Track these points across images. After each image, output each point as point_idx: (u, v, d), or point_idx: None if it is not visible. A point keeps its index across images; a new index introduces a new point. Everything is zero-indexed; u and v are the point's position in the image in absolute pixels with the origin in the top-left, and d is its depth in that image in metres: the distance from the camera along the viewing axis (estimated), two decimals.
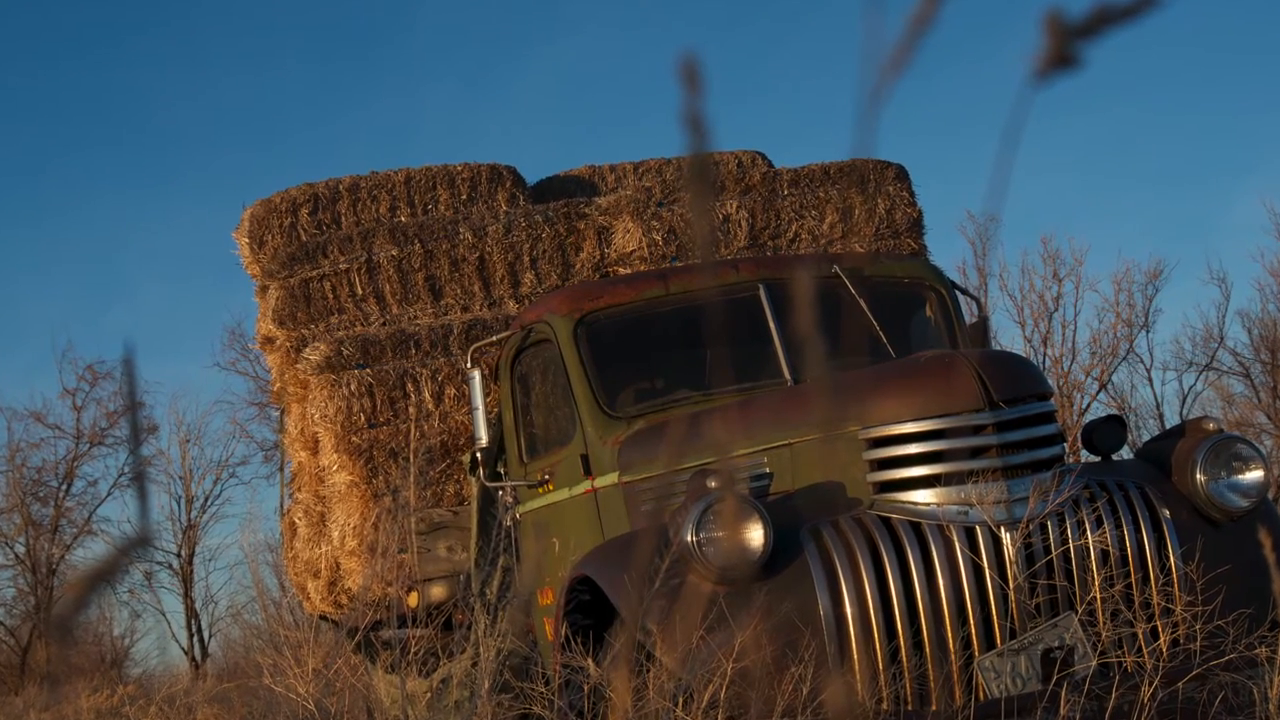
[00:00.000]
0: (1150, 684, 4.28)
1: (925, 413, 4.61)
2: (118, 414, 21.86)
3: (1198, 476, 4.98)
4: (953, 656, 4.42)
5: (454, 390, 7.52)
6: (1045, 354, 17.68)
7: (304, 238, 8.22)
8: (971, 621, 4.46)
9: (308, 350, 7.57)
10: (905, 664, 4.39)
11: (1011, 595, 4.47)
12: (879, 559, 4.48)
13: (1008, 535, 4.50)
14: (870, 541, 4.51)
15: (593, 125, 35.22)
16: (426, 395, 7.50)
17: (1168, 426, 15.57)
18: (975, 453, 4.59)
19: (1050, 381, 11.30)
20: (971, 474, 4.55)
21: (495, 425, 6.54)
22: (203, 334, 42.91)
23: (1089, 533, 4.61)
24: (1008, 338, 18.14)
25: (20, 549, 22.03)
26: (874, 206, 8.50)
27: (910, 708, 4.38)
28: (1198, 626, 4.47)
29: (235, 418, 27.29)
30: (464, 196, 8.56)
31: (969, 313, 6.81)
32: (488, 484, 6.48)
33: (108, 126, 34.54)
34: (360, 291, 7.88)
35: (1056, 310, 17.88)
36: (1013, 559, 4.49)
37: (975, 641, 4.45)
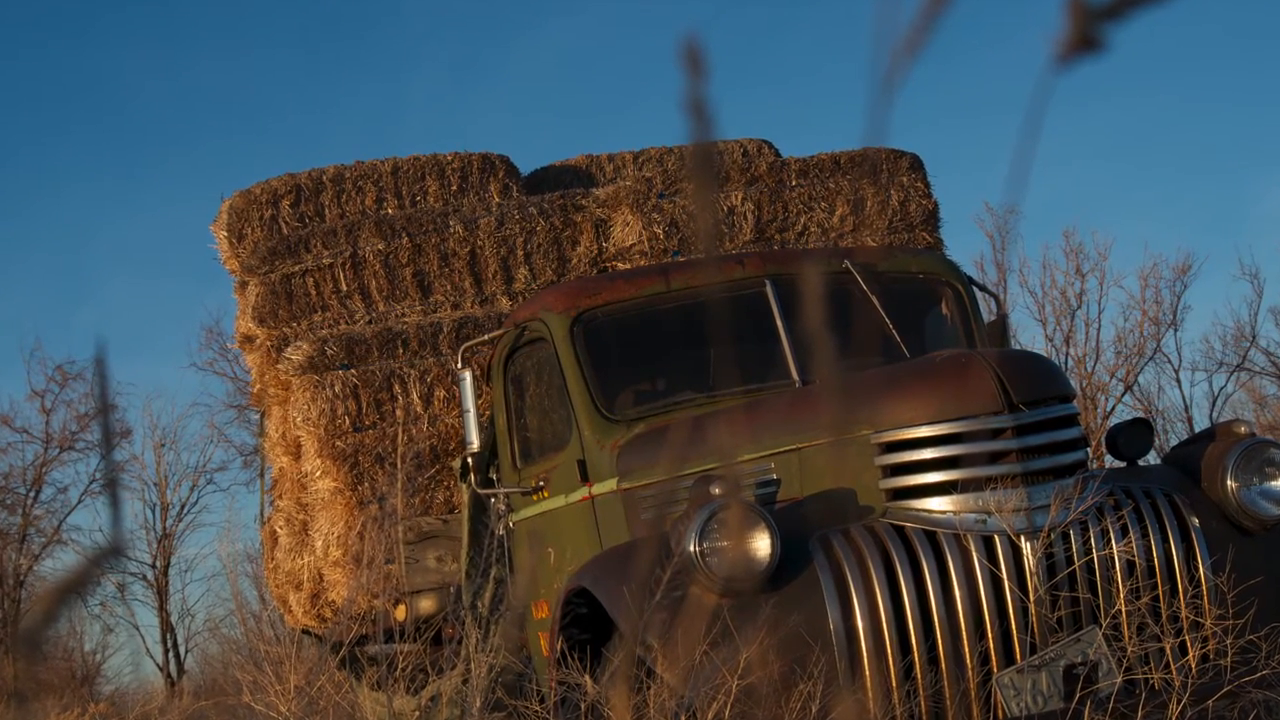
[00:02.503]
0: (1179, 702, 4.29)
1: (941, 415, 4.61)
2: (89, 417, 21.87)
3: (1228, 483, 4.99)
4: (970, 673, 4.42)
5: (444, 392, 7.53)
6: (1067, 354, 17.69)
7: (285, 231, 8.22)
8: (990, 636, 4.46)
9: (289, 350, 7.58)
10: (920, 681, 4.39)
11: (1032, 608, 4.47)
12: (892, 570, 4.48)
13: (1028, 545, 4.51)
14: (883, 551, 4.51)
15: (590, 112, 35.25)
16: (415, 397, 7.51)
17: (1197, 430, 15.56)
18: (994, 458, 4.59)
19: (1073, 383, 11.30)
20: (990, 480, 4.55)
21: (487, 429, 6.54)
22: (178, 332, 43.01)
23: (1114, 542, 4.62)
24: (1028, 336, 18.15)
25: None
26: (887, 198, 8.51)
27: None
28: (1228, 641, 4.47)
29: (213, 421, 27.29)
30: (454, 188, 8.57)
31: (987, 310, 6.81)
32: (479, 491, 6.49)
33: (77, 112, 34.57)
34: (345, 288, 7.89)
35: (1079, 307, 17.88)
36: (1033, 570, 4.49)
37: (994, 657, 4.46)
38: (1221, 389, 19.35)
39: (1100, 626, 4.50)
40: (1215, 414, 18.89)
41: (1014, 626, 4.47)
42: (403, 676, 6.35)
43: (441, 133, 39.20)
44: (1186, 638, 4.58)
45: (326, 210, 8.39)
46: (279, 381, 7.73)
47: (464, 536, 6.78)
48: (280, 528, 8.00)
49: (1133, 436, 5.57)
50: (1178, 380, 19.30)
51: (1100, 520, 4.64)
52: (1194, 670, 4.45)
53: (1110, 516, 4.66)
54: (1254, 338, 19.47)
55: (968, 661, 4.43)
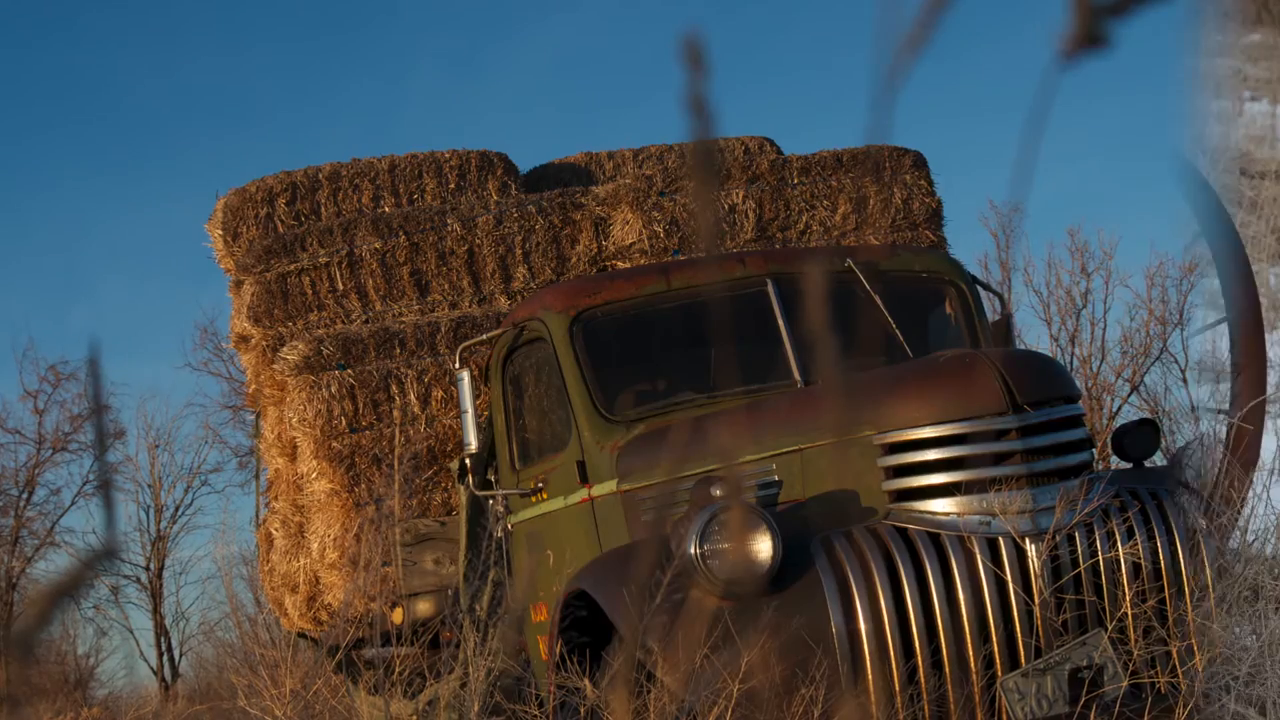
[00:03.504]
0: (1185, 706, 4.28)
1: (945, 416, 4.61)
2: (82, 418, 21.87)
3: None
4: (974, 676, 4.42)
5: (441, 392, 7.53)
6: (1073, 354, 17.69)
7: (281, 229, 8.23)
8: (994, 639, 4.46)
9: (285, 350, 7.58)
10: (923, 685, 4.39)
11: (1037, 611, 4.47)
12: (895, 572, 4.48)
13: (1033, 547, 4.51)
14: (886, 553, 4.51)
15: (589, 109, 35.24)
16: (412, 398, 7.51)
17: None
18: (998, 459, 4.59)
19: (1078, 383, 11.30)
20: (994, 481, 4.55)
21: (485, 430, 6.54)
22: (173, 332, 42.88)
23: (1119, 544, 4.62)
24: (1032, 336, 18.16)
25: None
26: (890, 196, 8.51)
27: None
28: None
29: (208, 422, 27.21)
30: (452, 186, 8.57)
31: (991, 309, 6.82)
32: (477, 492, 6.49)
33: (72, 110, 34.53)
34: (341, 287, 7.89)
35: (1085, 307, 17.88)
36: (1038, 572, 4.49)
37: (998, 660, 4.46)
38: None
39: (1106, 630, 4.50)
40: None
41: (1019, 630, 4.48)
42: (400, 680, 6.35)
43: (440, 130, 39.18)
44: (1193, 641, 4.58)
45: (323, 208, 8.39)
46: (274, 382, 7.73)
47: (462, 539, 6.78)
48: (276, 530, 8.00)
49: (1139, 437, 5.57)
50: (1184, 381, 19.29)
51: (1106, 522, 4.64)
52: (1200, 674, 4.45)
53: (1116, 518, 4.66)
54: None
55: (972, 665, 4.43)
